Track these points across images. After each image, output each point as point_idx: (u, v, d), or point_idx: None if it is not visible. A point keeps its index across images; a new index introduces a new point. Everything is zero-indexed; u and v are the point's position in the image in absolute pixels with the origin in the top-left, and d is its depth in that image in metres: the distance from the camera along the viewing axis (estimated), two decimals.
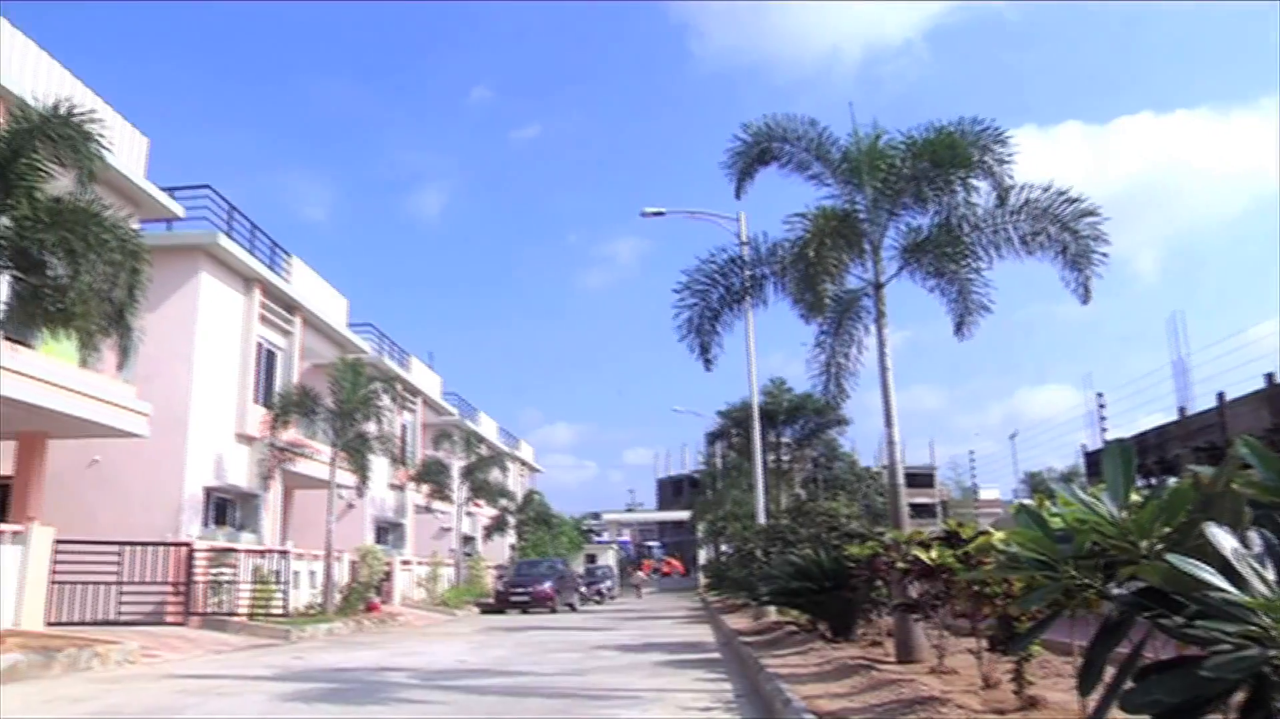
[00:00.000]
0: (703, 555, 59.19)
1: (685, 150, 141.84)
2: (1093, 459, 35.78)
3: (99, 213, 12.27)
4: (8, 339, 14.10)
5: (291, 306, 25.66)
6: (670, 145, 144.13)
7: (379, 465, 25.68)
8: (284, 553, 21.09)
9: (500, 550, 45.71)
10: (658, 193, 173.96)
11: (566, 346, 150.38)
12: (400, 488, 34.40)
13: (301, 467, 23.85)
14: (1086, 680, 2.66)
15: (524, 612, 30.62)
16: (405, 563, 31.05)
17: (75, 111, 12.03)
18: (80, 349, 13.38)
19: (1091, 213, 11.42)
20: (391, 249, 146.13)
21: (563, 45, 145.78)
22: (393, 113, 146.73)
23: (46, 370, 15.26)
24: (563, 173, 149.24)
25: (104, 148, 12.51)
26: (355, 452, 23.38)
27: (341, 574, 23.85)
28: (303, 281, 26.59)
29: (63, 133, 11.85)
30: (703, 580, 51.05)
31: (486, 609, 31.89)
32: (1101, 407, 49.21)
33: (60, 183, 12.32)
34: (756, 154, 12.88)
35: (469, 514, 39.88)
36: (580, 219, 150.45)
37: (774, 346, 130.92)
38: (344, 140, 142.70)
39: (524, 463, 58.26)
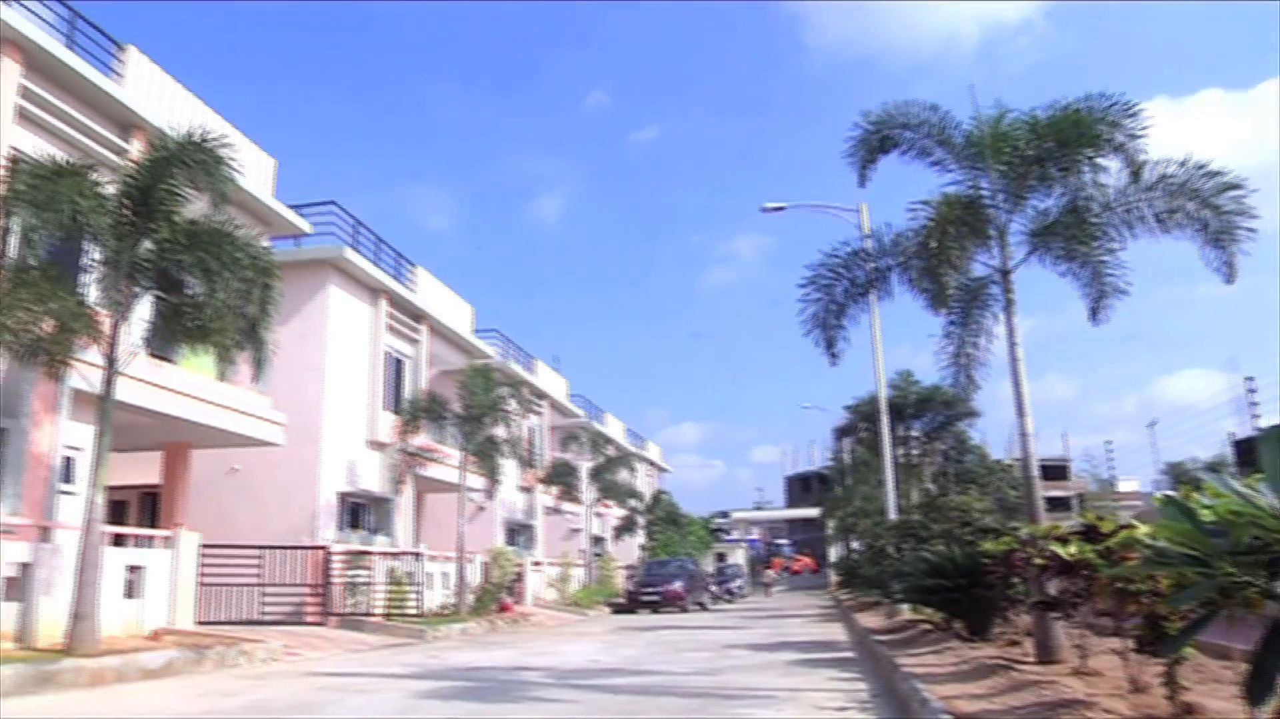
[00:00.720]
0: (833, 553, 58.34)
1: (805, 144, 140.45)
2: (1243, 448, 33.97)
3: (232, 233, 12.74)
4: (152, 356, 14.81)
5: (418, 315, 26.30)
6: (789, 139, 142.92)
7: (508, 468, 26.09)
8: (417, 555, 21.59)
9: (629, 550, 45.96)
10: (779, 188, 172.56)
11: (691, 345, 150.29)
12: (529, 490, 34.90)
13: (432, 471, 24.39)
14: (1256, 689, 2.45)
15: (655, 611, 30.67)
16: (536, 564, 31.46)
17: (207, 138, 12.51)
18: (218, 363, 13.94)
19: (1234, 186, 10.74)
20: (514, 256, 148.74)
21: (678, 46, 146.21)
22: (512, 121, 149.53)
23: (187, 384, 16.00)
24: (683, 172, 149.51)
25: (235, 171, 13.00)
26: (484, 455, 23.82)
27: (474, 575, 24.30)
28: (428, 290, 27.21)
29: (197, 159, 12.34)
30: (833, 578, 50.34)
31: (618, 609, 32.06)
32: (1251, 391, 46.65)
33: (195, 206, 12.85)
34: (877, 142, 12.56)
35: (598, 515, 40.23)
36: (702, 217, 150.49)
37: (901, 339, 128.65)
38: (465, 151, 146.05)
39: (651, 463, 58.42)
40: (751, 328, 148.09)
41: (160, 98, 16.59)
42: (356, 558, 20.10)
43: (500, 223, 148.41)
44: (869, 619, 20.40)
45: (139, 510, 21.41)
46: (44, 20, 14.47)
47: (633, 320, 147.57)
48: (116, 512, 18.98)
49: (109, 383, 12.22)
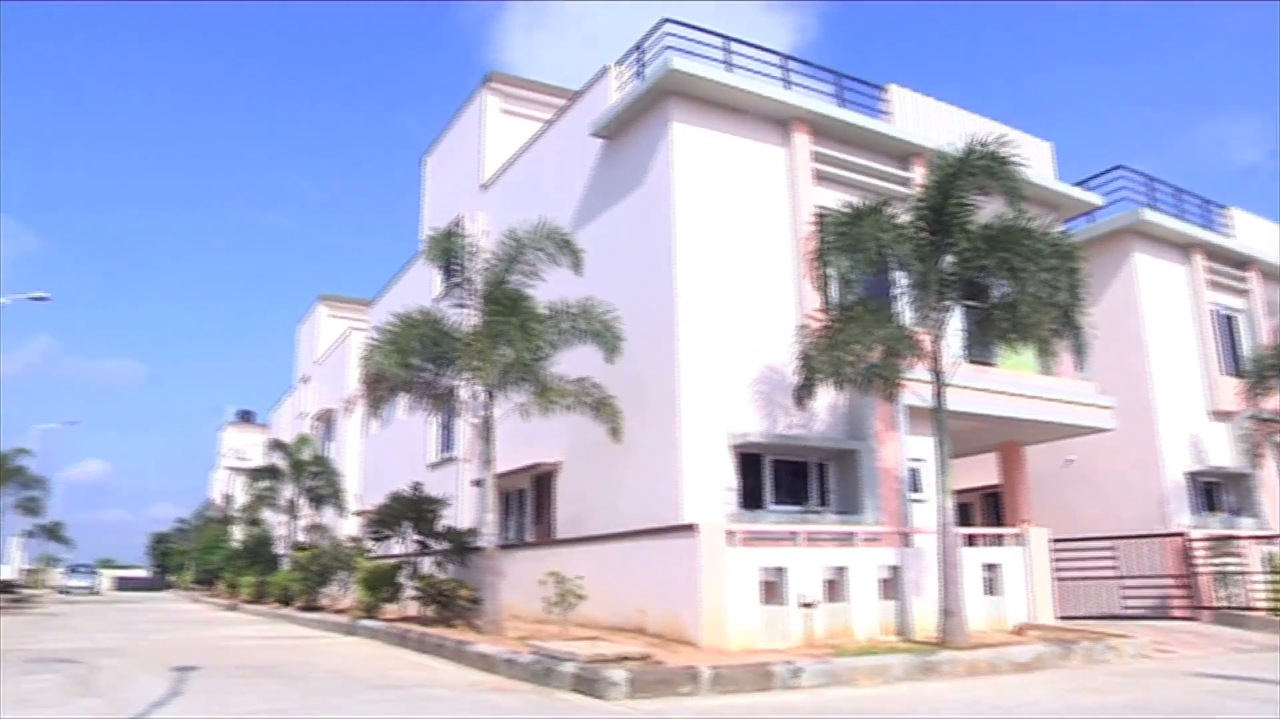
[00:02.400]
0: None
1: None
2: None
3: (1027, 226, 12.73)
4: (972, 362, 15.40)
5: (1241, 262, 23.42)
6: None
7: None
8: None
9: None
10: None
11: None
12: None
13: None
14: None
15: None
16: None
17: (985, 143, 12.69)
18: (1038, 357, 14.01)
19: None
20: None
21: None
22: None
23: (1011, 384, 16.29)
24: None
25: (1021, 165, 12.98)
26: None
27: None
28: (1248, 232, 24.14)
29: (980, 166, 12.59)
30: None
31: None
32: None
33: (984, 211, 13.11)
34: None
35: None
36: None
37: None
38: (1267, 66, 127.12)
39: None
40: None
41: (926, 121, 17.55)
42: (1221, 544, 18.31)
43: None
44: None
45: (982, 511, 22.35)
46: (816, 90, 16.61)
47: None
48: (962, 513, 20.04)
49: (939, 395, 12.97)
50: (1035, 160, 18.20)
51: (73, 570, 63.15)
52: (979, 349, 15.41)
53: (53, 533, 58.62)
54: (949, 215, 12.74)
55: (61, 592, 57.56)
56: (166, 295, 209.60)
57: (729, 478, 13.91)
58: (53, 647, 13.80)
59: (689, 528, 12.41)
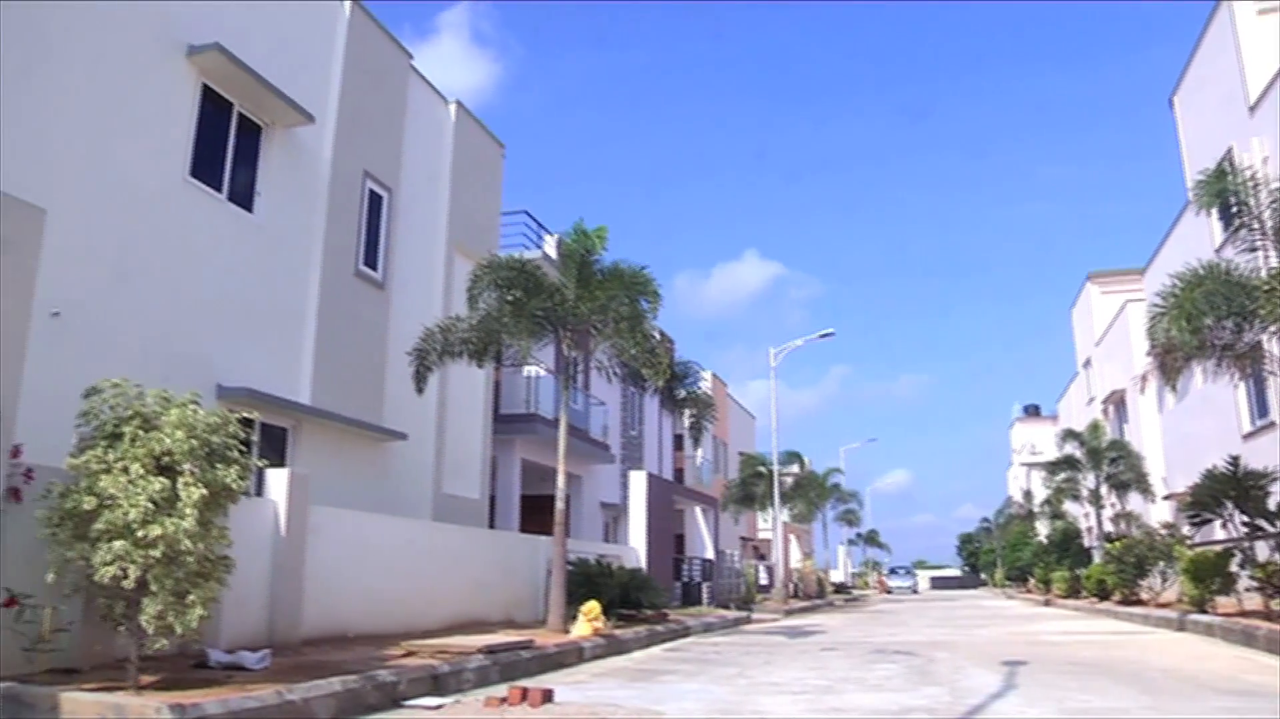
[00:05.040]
0: None
1: None
2: None
3: None
4: None
5: None
6: None
7: None
8: None
9: None
10: None
11: None
12: None
13: None
14: None
15: None
16: None
17: None
18: None
19: None
20: None
21: None
22: None
23: None
24: None
25: None
26: None
27: None
28: None
29: None
30: None
31: None
32: None
33: None
34: None
35: None
36: None
37: None
38: None
39: None
40: None
41: None
42: None
43: None
44: None
45: None
46: None
47: None
48: None
49: None
50: None
51: (893, 572, 69.51)
52: None
53: (870, 539, 65.81)
54: None
55: (885, 591, 63.18)
56: (939, 304, 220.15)
57: None
58: (887, 640, 14.71)
59: None
